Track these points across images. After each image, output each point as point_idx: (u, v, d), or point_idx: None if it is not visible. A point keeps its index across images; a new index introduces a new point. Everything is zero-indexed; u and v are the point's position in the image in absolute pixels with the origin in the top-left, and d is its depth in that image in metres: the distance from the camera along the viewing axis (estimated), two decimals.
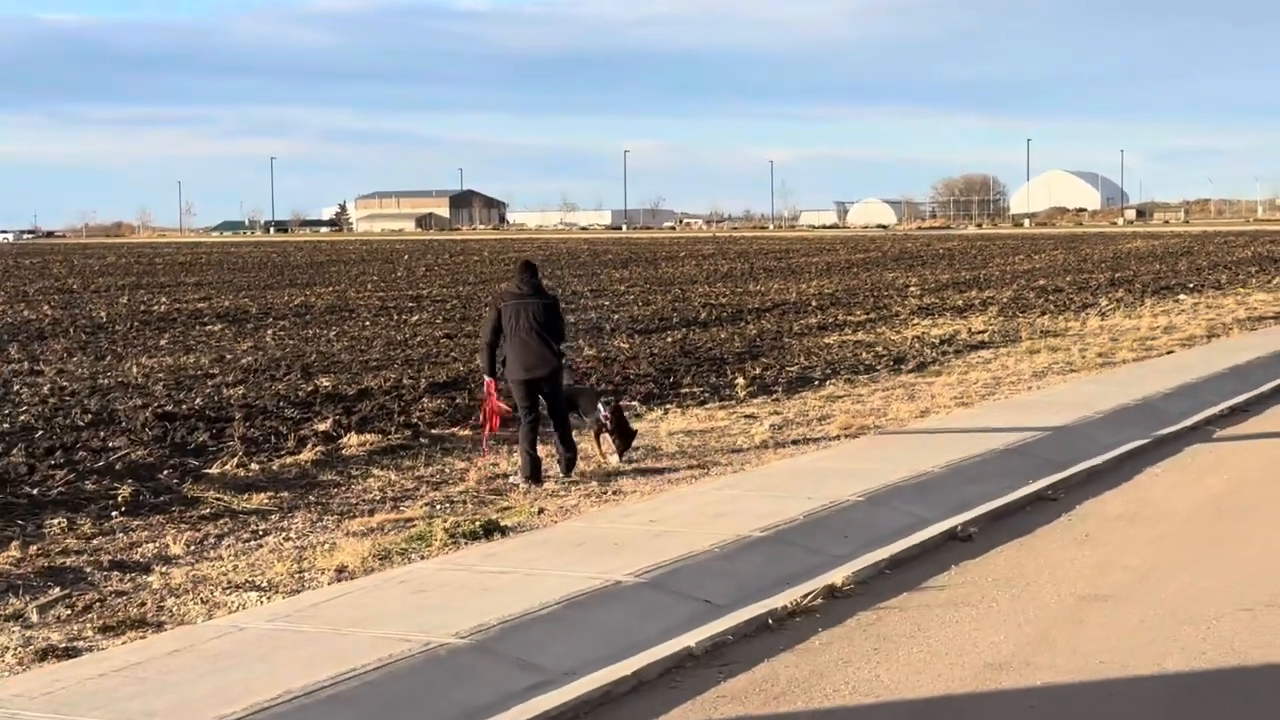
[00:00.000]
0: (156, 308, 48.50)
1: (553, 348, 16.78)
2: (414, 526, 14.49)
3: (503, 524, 13.91)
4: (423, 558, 12.59)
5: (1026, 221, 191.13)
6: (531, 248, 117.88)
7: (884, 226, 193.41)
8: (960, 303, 48.01)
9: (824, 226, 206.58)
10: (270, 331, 38.57)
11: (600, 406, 17.76)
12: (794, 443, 19.14)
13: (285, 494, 16.34)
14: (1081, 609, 11.00)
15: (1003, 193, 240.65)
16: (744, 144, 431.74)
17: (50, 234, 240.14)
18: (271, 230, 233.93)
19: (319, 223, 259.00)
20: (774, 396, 24.75)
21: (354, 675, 8.65)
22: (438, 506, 15.74)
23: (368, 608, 10.35)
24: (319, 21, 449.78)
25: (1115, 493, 15.93)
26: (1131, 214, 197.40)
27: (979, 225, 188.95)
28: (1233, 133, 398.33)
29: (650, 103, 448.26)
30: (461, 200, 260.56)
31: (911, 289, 55.06)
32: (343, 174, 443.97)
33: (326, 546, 13.53)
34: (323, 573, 12.29)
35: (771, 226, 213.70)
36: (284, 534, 14.36)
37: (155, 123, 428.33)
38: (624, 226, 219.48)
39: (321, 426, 20.09)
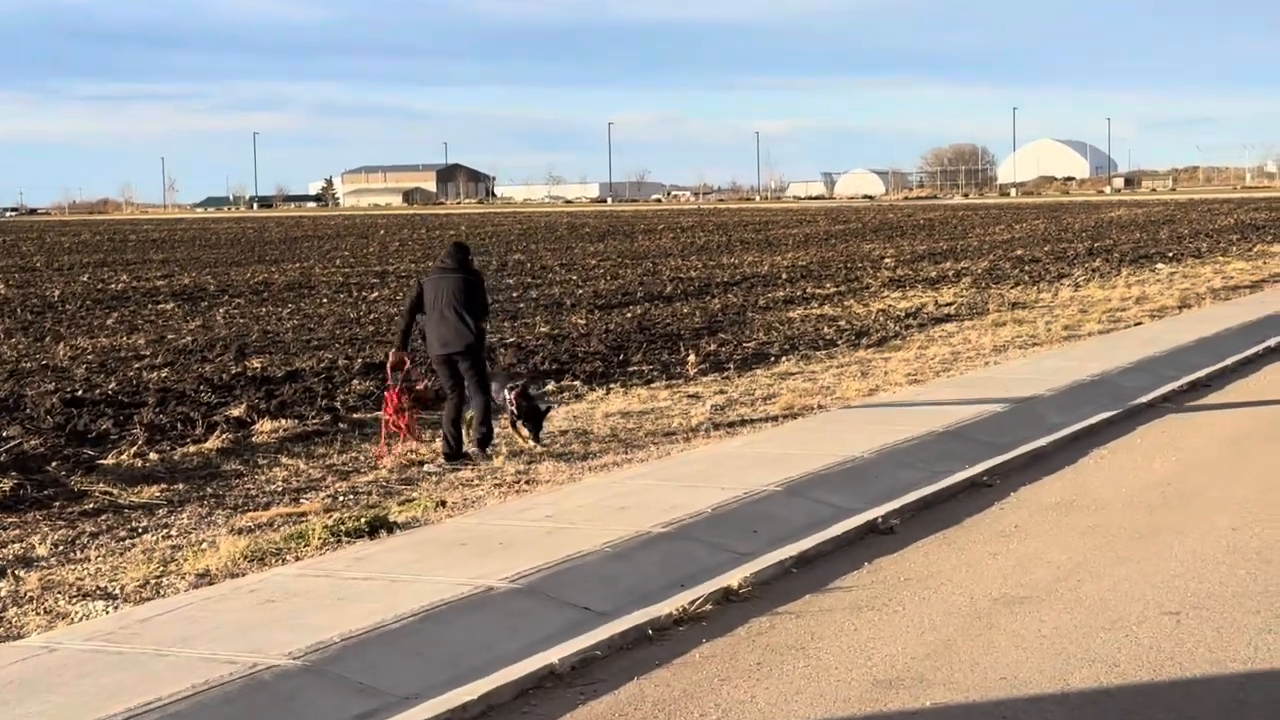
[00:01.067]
0: (114, 286, 47.51)
1: (469, 323, 16.35)
2: (305, 522, 13.61)
3: (392, 520, 12.99)
4: (297, 559, 11.69)
5: (1013, 191, 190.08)
6: (511, 221, 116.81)
7: (870, 197, 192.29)
8: (934, 274, 47.16)
9: (811, 198, 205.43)
10: (223, 310, 37.64)
11: (505, 390, 16.89)
12: (730, 425, 18.26)
13: (181, 486, 15.44)
14: (993, 613, 10.08)
15: (991, 162, 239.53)
16: (732, 115, 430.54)
17: (33, 211, 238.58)
18: (255, 206, 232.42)
19: (304, 198, 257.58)
20: (725, 375, 23.91)
21: (154, 709, 7.69)
22: (341, 498, 14.87)
23: (204, 623, 9.41)
24: None
25: (1055, 478, 15.01)
26: (1120, 182, 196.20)
27: (965, 195, 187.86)
28: (1223, 101, 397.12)
29: (637, 75, 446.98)
30: (448, 174, 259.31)
31: (887, 260, 54.16)
32: (331, 149, 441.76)
33: (203, 546, 12.62)
34: (184, 578, 11.37)
35: (758, 198, 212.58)
36: (165, 531, 13.46)
37: (143, 99, 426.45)
38: (609, 199, 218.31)
39: (235, 412, 19.16)
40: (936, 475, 14.60)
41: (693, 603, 10.18)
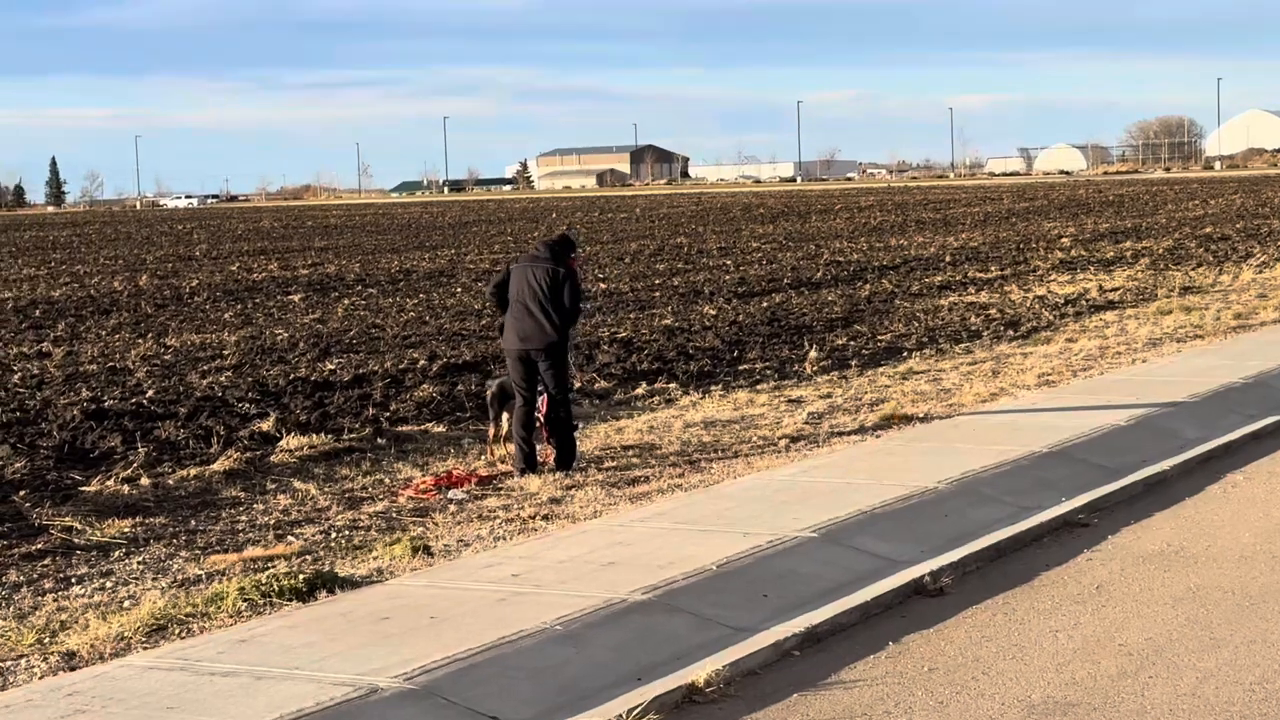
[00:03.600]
0: (255, 276, 46.13)
1: (554, 320, 14.76)
2: (272, 567, 11.59)
3: (344, 574, 10.88)
4: (202, 629, 9.64)
5: (1217, 164, 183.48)
6: (690, 202, 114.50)
7: (1067, 173, 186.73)
8: (1111, 255, 44.14)
9: (1008, 174, 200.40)
10: (348, 302, 35.92)
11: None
12: (812, 441, 15.94)
13: (158, 520, 13.50)
14: None
15: (1199, 135, 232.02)
16: (927, 91, 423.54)
17: (233, 198, 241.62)
18: (446, 190, 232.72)
19: (497, 181, 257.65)
20: (844, 374, 21.57)
21: None
22: (333, 535, 12.85)
23: None
24: None
25: (1167, 515, 12.42)
26: None
27: (1167, 169, 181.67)
28: None
29: (832, 53, 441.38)
30: (640, 156, 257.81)
31: (1064, 240, 51.05)
32: (528, 132, 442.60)
33: (125, 604, 10.65)
34: (48, 658, 9.35)
35: (952, 175, 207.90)
36: (101, 582, 11.50)
37: (348, 85, 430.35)
38: (798, 179, 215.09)
39: (265, 425, 17.22)
40: (1021, 513, 12.12)
41: (633, 710, 7.89)
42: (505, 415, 15.51)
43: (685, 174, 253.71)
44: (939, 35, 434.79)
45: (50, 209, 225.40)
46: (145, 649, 9.35)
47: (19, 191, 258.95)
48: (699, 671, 8.44)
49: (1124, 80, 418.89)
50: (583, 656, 8.59)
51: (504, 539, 12.09)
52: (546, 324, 14.72)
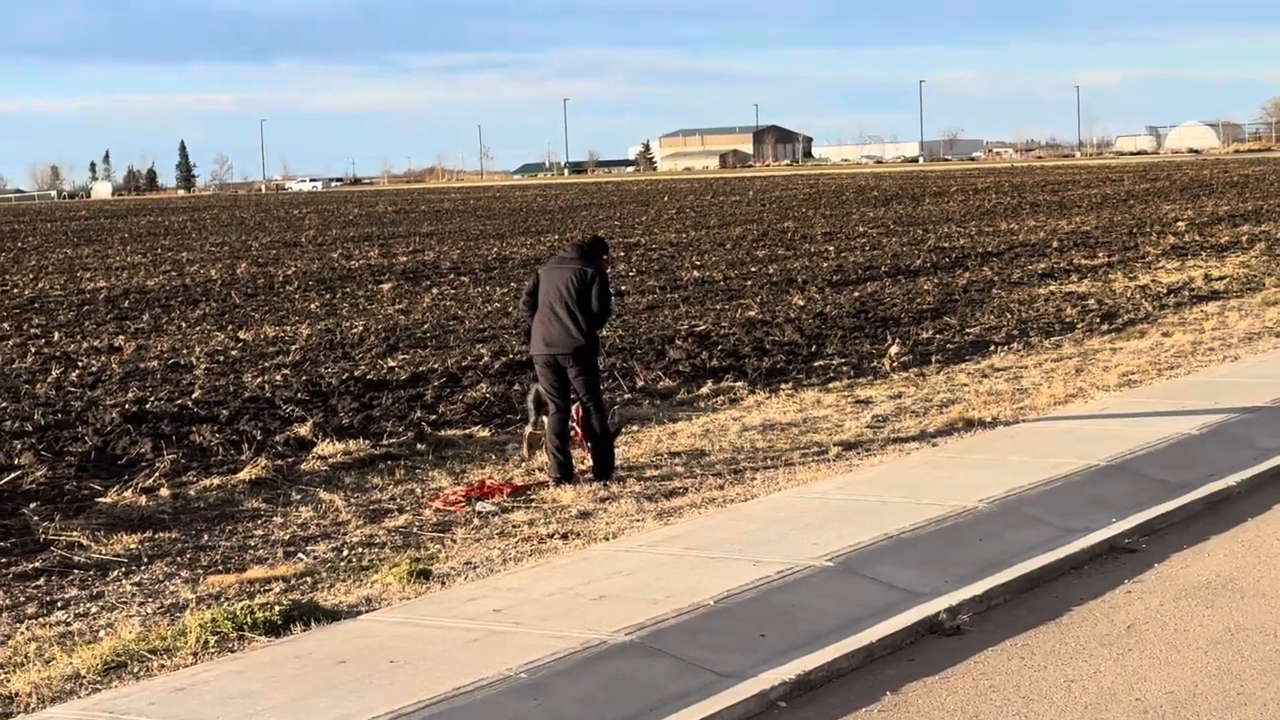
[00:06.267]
0: (352, 263, 45.82)
1: (580, 324, 14.16)
2: (268, 590, 11.04)
3: (324, 606, 10.26)
4: (162, 666, 9.06)
5: None
6: (806, 184, 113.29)
7: (1196, 151, 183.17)
8: (1226, 240, 42.78)
9: (1135, 153, 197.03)
10: (437, 290, 35.45)
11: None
12: (862, 448, 15.19)
13: (169, 535, 12.98)
14: None
15: None
16: (1054, 69, 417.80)
17: (357, 181, 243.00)
18: (566, 172, 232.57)
19: (619, 163, 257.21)
20: (923, 370, 20.78)
21: None
22: (344, 553, 12.29)
23: None
24: None
25: (1224, 540, 11.50)
26: None
27: None
28: None
29: (957, 32, 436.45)
30: (763, 136, 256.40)
31: (1179, 224, 49.60)
32: (654, 113, 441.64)
33: (96, 633, 10.13)
34: None
35: (1078, 154, 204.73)
36: (86, 606, 11.00)
37: (472, 68, 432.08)
38: (921, 159, 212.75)
39: (302, 430, 16.67)
40: (1064, 536, 11.27)
41: None
42: (544, 419, 14.92)
43: (808, 154, 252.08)
44: (1069, 12, 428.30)
45: (180, 193, 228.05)
46: (96, 690, 8.78)
47: (151, 175, 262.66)
48: None
49: (1262, 56, 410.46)
50: (543, 710, 7.89)
51: (511, 560, 11.45)
52: (573, 327, 14.11)
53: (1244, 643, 9.05)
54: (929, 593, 9.94)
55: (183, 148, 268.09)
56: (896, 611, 9.57)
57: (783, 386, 19.74)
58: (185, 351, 24.80)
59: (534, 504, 13.68)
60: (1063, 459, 13.31)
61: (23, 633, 10.34)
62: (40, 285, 41.26)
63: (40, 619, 10.75)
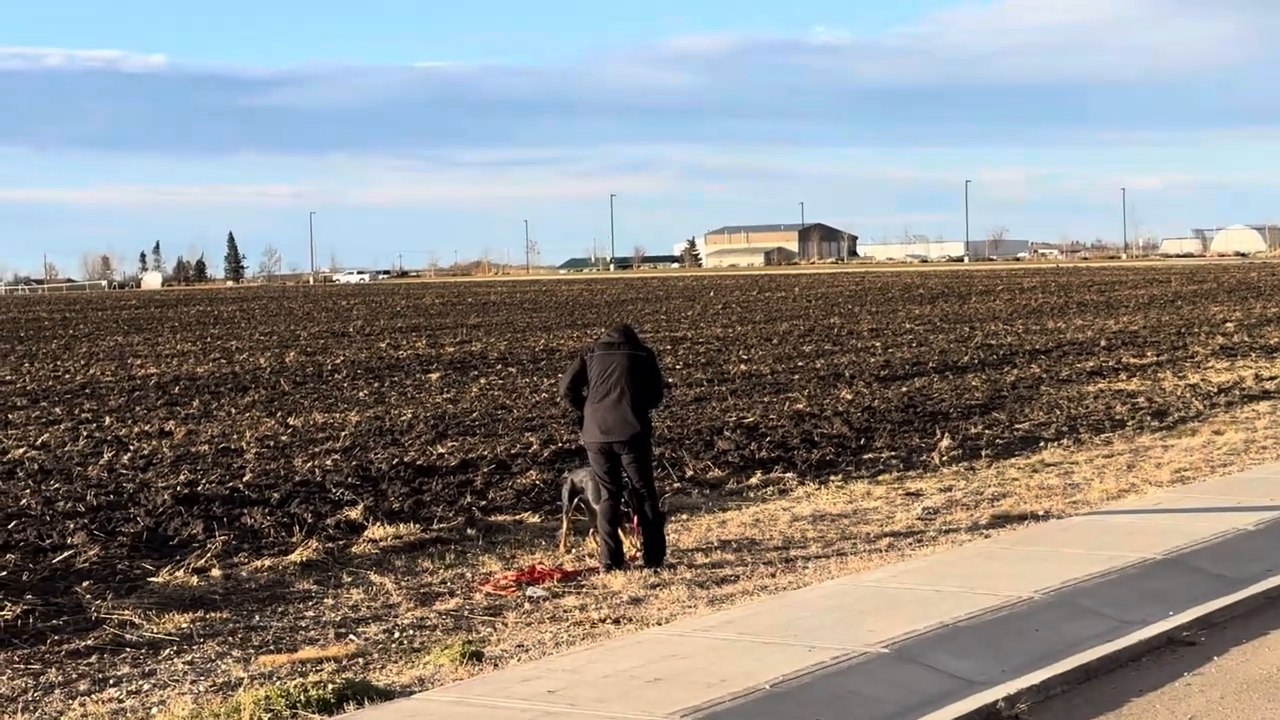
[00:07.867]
0: (400, 353, 46.02)
1: (636, 408, 14.12)
2: (321, 669, 11.02)
3: (377, 685, 10.24)
4: None
5: None
6: (851, 281, 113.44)
7: (1243, 254, 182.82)
8: (1276, 340, 42.61)
9: (1182, 255, 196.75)
10: (484, 380, 35.54)
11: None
12: (915, 539, 15.14)
13: (220, 614, 12.99)
14: None
15: None
16: (1099, 171, 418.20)
17: (404, 274, 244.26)
18: (612, 267, 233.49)
19: (665, 259, 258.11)
20: (973, 465, 20.68)
21: None
22: (396, 634, 12.28)
23: None
24: (681, 62, 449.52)
25: None
26: None
27: None
28: None
29: (1002, 133, 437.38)
30: (808, 234, 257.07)
31: (1228, 325, 49.45)
32: (699, 209, 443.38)
33: (149, 711, 10.13)
34: None
35: (1124, 256, 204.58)
36: (138, 684, 11.01)
37: (520, 164, 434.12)
38: (965, 258, 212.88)
39: (353, 514, 16.71)
40: (1121, 628, 11.18)
41: None
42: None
43: (853, 253, 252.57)
44: (1112, 114, 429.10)
45: (229, 284, 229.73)
46: None
47: (200, 266, 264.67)
48: None
49: None
50: None
51: (564, 644, 11.42)
52: (630, 414, 14.09)
53: None
54: (986, 681, 9.87)
55: (231, 239, 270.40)
56: (954, 700, 9.50)
57: (832, 478, 19.69)
58: (235, 437, 24.90)
59: (585, 589, 13.65)
60: (1119, 552, 13.23)
61: (75, 709, 10.36)
62: (92, 371, 41.55)
63: (93, 695, 10.78)
